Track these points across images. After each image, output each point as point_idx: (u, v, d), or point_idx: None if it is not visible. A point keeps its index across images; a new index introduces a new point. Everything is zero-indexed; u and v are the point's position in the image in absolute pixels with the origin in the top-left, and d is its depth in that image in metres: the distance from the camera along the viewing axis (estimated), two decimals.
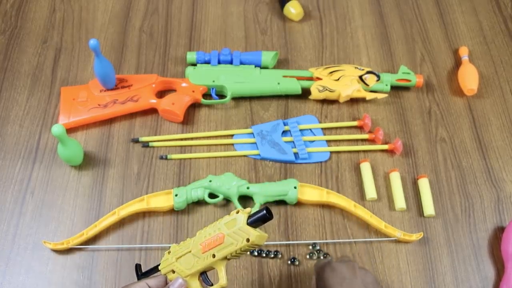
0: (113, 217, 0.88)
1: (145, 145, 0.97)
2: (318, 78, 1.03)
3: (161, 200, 0.89)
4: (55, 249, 0.85)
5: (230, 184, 0.90)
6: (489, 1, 1.21)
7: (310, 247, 0.88)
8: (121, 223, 0.89)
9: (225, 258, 0.62)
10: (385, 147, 0.98)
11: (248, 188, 0.90)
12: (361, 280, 0.71)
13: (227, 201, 0.92)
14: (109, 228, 0.88)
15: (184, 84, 1.02)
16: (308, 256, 0.87)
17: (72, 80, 1.05)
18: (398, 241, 0.89)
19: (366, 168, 0.95)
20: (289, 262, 0.87)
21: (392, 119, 1.03)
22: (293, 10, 1.14)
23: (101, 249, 0.87)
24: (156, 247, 0.88)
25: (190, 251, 0.65)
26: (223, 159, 0.97)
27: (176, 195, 0.89)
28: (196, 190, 0.89)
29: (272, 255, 0.87)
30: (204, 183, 0.90)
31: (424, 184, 0.94)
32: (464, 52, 1.10)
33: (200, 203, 0.91)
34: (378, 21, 1.17)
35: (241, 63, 1.05)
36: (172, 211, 0.91)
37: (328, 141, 1.00)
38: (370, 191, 0.93)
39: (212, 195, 0.91)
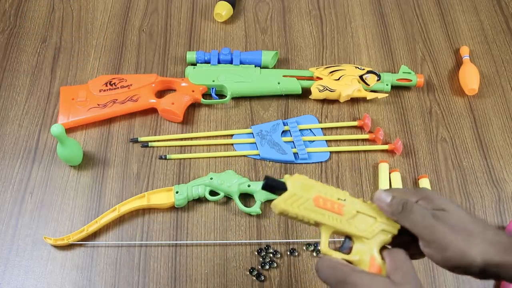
0: (113, 213, 0.87)
1: (145, 145, 0.97)
2: (319, 78, 1.02)
3: (161, 197, 0.89)
4: (56, 244, 0.85)
5: (231, 182, 0.90)
6: (490, 1, 1.21)
7: (312, 246, 0.88)
8: (121, 220, 0.89)
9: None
10: (386, 147, 0.98)
11: (249, 186, 0.90)
12: None
13: (228, 198, 0.92)
14: (109, 226, 0.88)
15: (183, 84, 1.01)
16: (310, 255, 0.87)
17: (71, 79, 1.05)
18: None
19: (384, 169, 0.94)
20: (289, 258, 0.86)
21: (393, 119, 1.03)
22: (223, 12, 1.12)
23: (101, 249, 0.86)
24: (156, 244, 0.87)
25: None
26: (223, 159, 0.96)
27: (177, 192, 0.89)
28: (197, 188, 0.89)
29: (272, 255, 0.87)
30: (205, 181, 0.90)
31: (425, 184, 0.94)
32: (465, 52, 1.10)
33: (200, 200, 0.91)
34: (379, 20, 1.17)
35: (241, 62, 1.05)
36: (172, 208, 0.91)
37: (328, 141, 0.99)
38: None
39: (213, 193, 0.91)
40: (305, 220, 0.57)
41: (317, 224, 0.57)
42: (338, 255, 0.57)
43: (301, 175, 0.58)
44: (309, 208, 0.56)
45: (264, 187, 0.57)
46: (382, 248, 0.58)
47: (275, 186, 0.57)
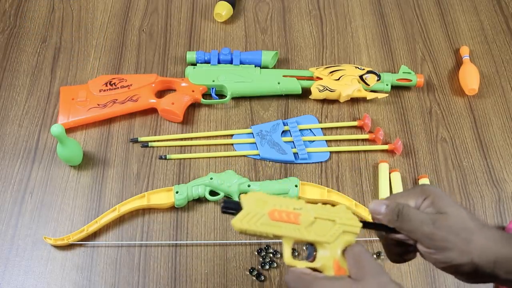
0: (113, 213, 0.87)
1: (145, 145, 0.97)
2: (319, 78, 1.02)
3: (161, 197, 0.89)
4: (56, 244, 0.85)
5: (231, 182, 0.90)
6: (490, 1, 1.21)
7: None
8: (121, 220, 0.89)
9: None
10: (386, 147, 0.98)
11: (249, 186, 0.90)
12: None
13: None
14: (109, 226, 0.88)
15: (183, 84, 1.01)
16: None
17: (71, 79, 1.05)
18: None
19: (384, 169, 0.94)
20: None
21: (393, 119, 1.03)
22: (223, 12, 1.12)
23: (101, 248, 0.86)
24: (156, 244, 0.87)
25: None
26: (223, 159, 0.96)
27: (177, 192, 0.89)
28: (197, 188, 0.89)
29: (272, 255, 0.87)
30: (205, 181, 0.90)
31: None
32: (465, 52, 1.10)
33: (200, 200, 0.91)
34: (379, 20, 1.17)
35: (241, 62, 1.05)
36: (172, 208, 0.91)
37: (328, 141, 0.99)
38: (384, 192, 0.92)
39: (213, 193, 0.91)
40: (263, 235, 0.57)
41: (277, 237, 0.57)
42: (303, 264, 0.57)
43: (257, 192, 0.58)
44: (265, 223, 0.57)
45: (222, 211, 0.58)
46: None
47: (232, 208, 0.58)
